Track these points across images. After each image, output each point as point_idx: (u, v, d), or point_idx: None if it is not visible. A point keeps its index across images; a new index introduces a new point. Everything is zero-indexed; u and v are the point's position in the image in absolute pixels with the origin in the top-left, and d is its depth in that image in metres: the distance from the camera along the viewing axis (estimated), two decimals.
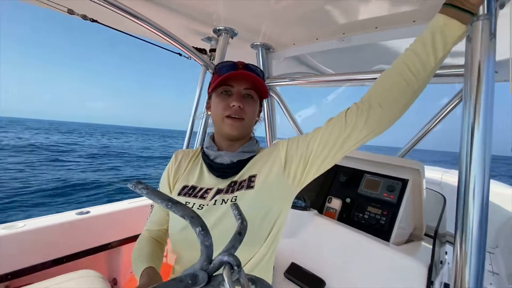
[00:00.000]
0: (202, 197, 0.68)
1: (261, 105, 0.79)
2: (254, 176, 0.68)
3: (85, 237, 1.44)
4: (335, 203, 1.26)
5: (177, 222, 0.68)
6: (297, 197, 1.24)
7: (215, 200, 0.65)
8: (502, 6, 0.76)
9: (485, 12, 0.58)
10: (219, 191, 0.68)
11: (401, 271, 0.89)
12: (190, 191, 0.70)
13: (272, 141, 1.78)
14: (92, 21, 1.12)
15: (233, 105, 0.66)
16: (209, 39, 1.55)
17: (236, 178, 0.70)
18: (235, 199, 0.63)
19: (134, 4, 1.12)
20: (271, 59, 1.72)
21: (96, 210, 1.52)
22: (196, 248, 0.58)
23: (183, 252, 0.68)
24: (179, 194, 0.71)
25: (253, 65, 0.72)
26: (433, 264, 0.84)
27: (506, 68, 1.35)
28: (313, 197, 1.35)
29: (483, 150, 0.59)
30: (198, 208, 0.65)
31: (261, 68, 1.71)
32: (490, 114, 0.59)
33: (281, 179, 0.67)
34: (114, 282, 1.59)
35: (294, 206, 1.20)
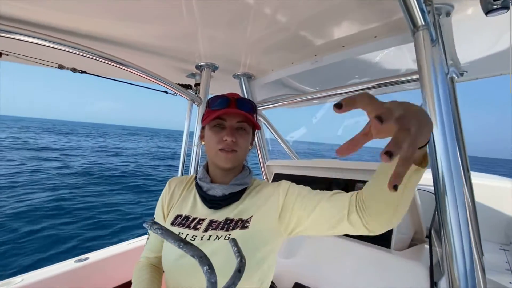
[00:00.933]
0: (194, 228, 0.70)
1: (254, 134, 0.83)
2: (250, 217, 0.70)
3: (86, 286, 1.39)
4: None
5: (172, 251, 0.69)
6: None
7: (209, 236, 0.67)
8: (448, 14, 0.85)
9: (422, 23, 0.65)
10: (212, 223, 0.70)
11: (404, 276, 0.88)
12: (183, 221, 0.72)
13: (265, 164, 1.82)
14: (81, 73, 1.21)
15: (226, 139, 0.70)
16: (193, 74, 1.66)
17: (232, 215, 0.71)
18: (229, 237, 0.65)
19: (119, 53, 1.22)
20: (254, 86, 1.82)
21: (95, 256, 1.49)
22: (193, 275, 0.60)
23: (180, 279, 0.68)
24: (172, 223, 0.73)
25: (245, 98, 0.76)
26: (433, 264, 0.83)
27: (476, 67, 1.45)
28: None
29: (445, 148, 0.64)
30: (191, 239, 0.66)
31: (246, 96, 1.83)
32: (447, 112, 0.64)
33: (275, 225, 0.70)
34: None
35: None
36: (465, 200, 0.64)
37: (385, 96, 1.90)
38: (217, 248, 0.63)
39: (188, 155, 1.65)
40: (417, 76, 0.90)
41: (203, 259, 0.43)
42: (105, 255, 1.49)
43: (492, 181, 2.12)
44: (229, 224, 0.68)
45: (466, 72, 1.47)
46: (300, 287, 0.98)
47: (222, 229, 0.68)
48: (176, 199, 0.79)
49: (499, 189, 2.08)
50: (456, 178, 0.62)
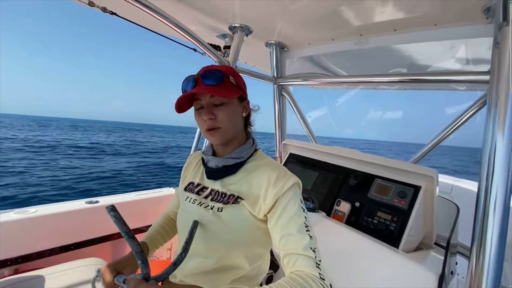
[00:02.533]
0: (197, 193, 0.79)
1: (243, 99, 0.77)
2: (242, 199, 0.71)
3: (93, 226, 1.46)
4: (344, 206, 1.24)
5: (182, 215, 0.80)
6: (306, 199, 1.23)
7: (207, 205, 0.74)
8: None
9: None
10: (212, 191, 0.76)
11: (410, 279, 0.87)
12: (192, 186, 0.82)
13: (282, 140, 1.77)
14: (111, 14, 1.14)
15: (205, 119, 0.69)
16: (223, 36, 1.55)
17: (226, 189, 0.74)
18: (221, 210, 0.70)
19: None
20: (285, 58, 1.71)
21: (105, 200, 1.54)
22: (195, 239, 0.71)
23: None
24: (185, 188, 0.84)
25: (212, 69, 0.70)
26: (444, 274, 0.82)
27: None
28: (321, 199, 1.34)
29: (506, 161, 0.57)
30: (192, 202, 0.77)
31: (275, 68, 1.72)
32: None
33: (255, 214, 0.70)
34: None
35: None
36: (504, 217, 0.59)
37: (422, 93, 1.78)
38: (207, 218, 0.71)
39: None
40: (483, 77, 0.81)
41: (138, 255, 0.52)
42: (114, 201, 1.55)
43: None
44: (223, 197, 0.73)
45: None
46: None
47: (218, 200, 0.73)
48: (192, 169, 0.89)
49: None
50: (508, 197, 0.57)
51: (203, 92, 0.68)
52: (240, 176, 0.75)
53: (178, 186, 0.96)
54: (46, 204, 1.41)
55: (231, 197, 0.72)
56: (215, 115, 0.69)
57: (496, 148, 0.57)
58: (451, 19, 0.99)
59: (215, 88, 0.67)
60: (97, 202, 1.51)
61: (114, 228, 1.55)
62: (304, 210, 0.66)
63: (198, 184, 0.81)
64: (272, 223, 0.67)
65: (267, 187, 0.67)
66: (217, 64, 1.54)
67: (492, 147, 0.58)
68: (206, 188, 0.78)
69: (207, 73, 0.69)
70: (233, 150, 0.76)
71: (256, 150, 0.81)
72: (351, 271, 0.97)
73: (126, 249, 1.60)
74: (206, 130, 0.71)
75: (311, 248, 0.60)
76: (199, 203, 0.75)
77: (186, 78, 0.72)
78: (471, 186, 2.40)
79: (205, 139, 1.64)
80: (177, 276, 0.76)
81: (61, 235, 1.37)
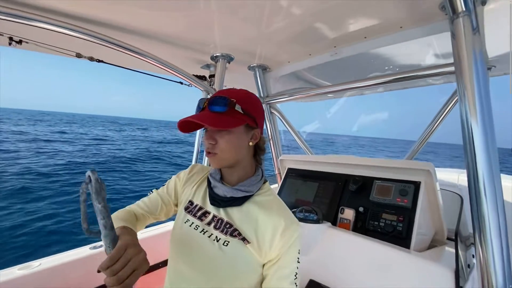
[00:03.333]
0: (200, 218, 0.75)
1: (252, 128, 0.74)
2: (248, 241, 0.69)
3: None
4: (348, 213, 1.23)
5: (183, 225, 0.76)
6: (308, 211, 1.22)
7: (211, 234, 0.71)
8: (483, 2, 0.79)
9: (463, 8, 0.60)
10: (214, 218, 0.74)
11: (426, 279, 0.84)
12: (192, 208, 0.78)
13: (278, 156, 1.79)
14: (98, 62, 1.21)
15: (205, 143, 0.71)
16: (207, 66, 1.63)
17: (231, 220, 0.72)
18: (227, 244, 0.69)
19: (135, 42, 1.21)
20: (269, 78, 1.79)
21: None
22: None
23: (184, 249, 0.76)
24: (185, 209, 0.79)
25: (220, 96, 0.70)
26: (459, 268, 0.79)
27: (505, 62, 1.36)
28: (324, 209, 1.32)
29: (486, 146, 0.59)
30: (194, 228, 0.74)
31: (260, 88, 1.79)
32: (487, 107, 0.59)
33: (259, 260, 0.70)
34: None
35: (306, 220, 1.17)
36: (497, 200, 0.59)
37: (406, 91, 1.82)
38: (212, 250, 0.69)
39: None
40: (451, 68, 0.84)
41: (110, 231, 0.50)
42: None
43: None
44: (228, 228, 0.71)
45: (494, 67, 1.39)
46: (315, 284, 0.96)
47: (222, 231, 0.71)
48: (192, 184, 0.83)
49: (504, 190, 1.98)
50: (496, 180, 0.57)
51: (200, 123, 0.68)
52: (245, 210, 0.73)
53: (159, 188, 0.88)
54: (50, 256, 1.39)
55: (236, 232, 0.70)
56: (215, 141, 0.69)
57: (473, 135, 0.59)
58: (414, 20, 1.05)
59: (216, 116, 0.67)
60: (101, 246, 1.49)
61: None
62: (298, 260, 0.69)
63: (200, 208, 0.77)
64: (268, 268, 0.68)
65: (273, 236, 0.68)
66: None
67: (469, 135, 0.60)
68: (209, 213, 0.75)
69: (215, 100, 0.69)
70: (239, 176, 0.75)
71: (264, 183, 0.79)
72: (364, 279, 0.94)
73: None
74: (205, 152, 0.72)
75: None
76: (202, 230, 0.73)
77: (200, 100, 0.74)
78: None
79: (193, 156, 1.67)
80: None
81: (68, 286, 1.33)
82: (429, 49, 1.27)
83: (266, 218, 0.70)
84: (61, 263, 1.33)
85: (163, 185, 0.88)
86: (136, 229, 0.73)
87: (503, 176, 2.27)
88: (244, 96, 0.73)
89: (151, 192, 0.87)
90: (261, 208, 0.72)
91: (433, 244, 1.14)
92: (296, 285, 0.66)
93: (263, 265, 0.69)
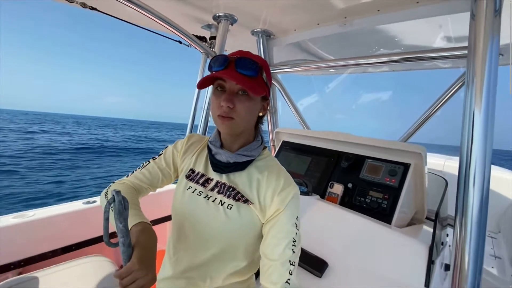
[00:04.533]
0: (203, 184, 0.75)
1: (266, 99, 0.74)
2: (251, 202, 0.71)
3: (93, 225, 1.47)
4: (337, 188, 1.27)
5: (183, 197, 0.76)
6: (299, 183, 1.25)
7: (215, 198, 0.72)
8: None
9: None
10: (217, 183, 0.74)
11: (402, 252, 0.91)
12: (195, 177, 0.78)
13: (274, 128, 1.78)
14: (91, 9, 1.11)
15: (222, 105, 0.65)
16: (208, 26, 1.53)
17: (235, 184, 0.73)
18: (231, 207, 0.70)
19: None
20: (272, 46, 1.71)
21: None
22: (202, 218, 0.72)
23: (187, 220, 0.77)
24: (187, 177, 0.78)
25: (250, 59, 0.66)
26: (434, 244, 0.86)
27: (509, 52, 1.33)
28: (315, 183, 1.37)
29: (484, 134, 0.59)
30: (197, 194, 0.74)
31: (263, 56, 1.72)
32: (493, 97, 0.59)
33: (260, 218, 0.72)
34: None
35: None
36: (484, 189, 0.62)
37: (413, 73, 1.79)
38: (218, 214, 0.70)
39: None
40: (462, 52, 0.82)
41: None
42: None
43: (493, 171, 2.13)
44: (231, 192, 0.72)
45: (502, 55, 1.36)
46: (302, 252, 1.03)
47: (226, 194, 0.72)
48: (191, 153, 0.82)
49: (499, 179, 2.10)
50: (487, 168, 0.59)
51: (234, 81, 0.64)
52: (247, 174, 0.74)
53: (156, 157, 0.86)
54: (44, 207, 1.42)
55: (239, 195, 0.71)
56: (234, 105, 0.65)
57: (474, 122, 0.59)
58: None
59: (247, 80, 0.63)
60: (94, 202, 1.52)
61: (114, 226, 1.57)
62: (297, 226, 0.69)
63: (203, 175, 0.77)
64: (266, 228, 0.69)
65: (272, 195, 0.69)
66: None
67: (470, 121, 0.60)
68: (211, 179, 0.76)
69: (242, 61, 0.65)
70: (241, 144, 0.74)
71: (263, 148, 0.79)
72: (347, 249, 1.01)
73: None
74: (219, 115, 0.67)
75: (289, 261, 0.64)
76: (206, 196, 0.73)
77: (216, 56, 0.68)
78: None
79: (198, 130, 1.64)
80: (172, 272, 0.76)
81: (61, 236, 1.38)
82: (440, 30, 1.22)
83: (268, 180, 0.72)
84: (55, 214, 1.36)
85: (159, 155, 0.86)
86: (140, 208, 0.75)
87: (503, 169, 2.39)
88: (265, 65, 0.70)
89: (147, 162, 0.85)
90: (263, 171, 0.74)
91: (412, 222, 1.22)
92: (293, 252, 0.65)
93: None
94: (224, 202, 0.71)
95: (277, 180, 0.71)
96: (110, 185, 0.82)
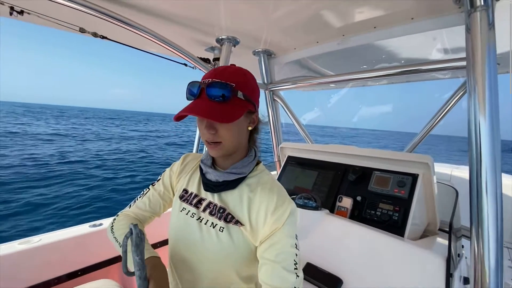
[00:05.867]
0: (196, 206, 0.74)
1: (253, 112, 0.70)
2: (242, 224, 0.67)
3: (99, 249, 1.45)
4: (346, 202, 1.26)
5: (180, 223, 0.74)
6: (307, 198, 1.24)
7: (207, 220, 0.70)
8: None
9: (482, 3, 0.60)
10: (210, 204, 0.72)
11: (418, 266, 0.89)
12: (187, 196, 0.77)
13: (278, 144, 1.80)
14: (102, 38, 1.18)
15: (204, 132, 0.64)
16: (212, 48, 1.60)
17: (225, 205, 0.70)
18: (222, 230, 0.67)
19: (140, 19, 1.17)
20: (273, 64, 1.76)
21: (109, 222, 1.54)
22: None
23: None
24: (180, 198, 0.77)
25: (219, 82, 0.62)
26: (450, 257, 0.83)
27: (508, 60, 1.37)
28: (323, 197, 1.36)
29: (491, 142, 0.60)
30: (190, 216, 0.72)
31: (264, 74, 1.77)
32: (495, 104, 0.60)
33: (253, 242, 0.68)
34: None
35: (305, 206, 1.20)
36: (497, 197, 0.62)
37: (409, 85, 1.82)
38: (209, 237, 0.68)
39: None
40: (461, 63, 0.84)
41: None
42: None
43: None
44: (222, 213, 0.69)
45: (499, 64, 1.39)
46: (312, 267, 1.00)
47: (217, 216, 0.69)
48: (186, 173, 0.81)
49: (505, 186, 2.06)
50: (498, 176, 0.59)
51: (203, 118, 0.62)
52: (239, 192, 0.71)
53: (155, 183, 0.85)
54: (50, 232, 1.40)
55: (230, 216, 0.68)
56: (216, 130, 0.63)
57: (480, 130, 0.60)
58: (426, 11, 1.04)
59: (218, 109, 0.60)
60: (100, 224, 1.51)
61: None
62: (296, 246, 0.64)
63: (196, 195, 0.75)
64: (261, 250, 0.64)
65: (265, 215, 0.65)
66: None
67: (476, 130, 0.61)
68: (203, 200, 0.74)
69: (212, 86, 0.61)
70: (234, 161, 0.72)
71: (257, 163, 0.76)
72: (360, 265, 0.98)
73: None
74: (206, 141, 0.66)
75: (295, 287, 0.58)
76: (199, 218, 0.71)
77: (191, 83, 0.65)
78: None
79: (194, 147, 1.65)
80: None
81: (67, 262, 1.35)
82: (437, 42, 1.26)
83: (260, 198, 0.68)
84: (61, 239, 1.35)
85: (158, 180, 0.85)
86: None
87: (504, 174, 2.35)
88: (243, 80, 0.66)
89: (147, 190, 0.85)
90: (255, 189, 0.70)
91: (425, 234, 1.19)
92: (298, 277, 0.59)
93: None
94: (216, 225, 0.68)
95: (270, 197, 0.66)
96: (115, 219, 0.82)
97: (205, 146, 0.72)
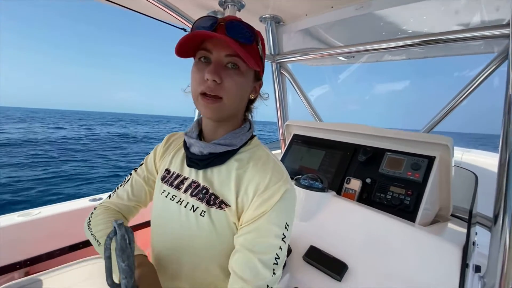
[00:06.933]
0: (177, 187, 0.65)
1: (259, 79, 0.63)
2: (227, 205, 0.58)
3: None
4: (355, 184, 1.19)
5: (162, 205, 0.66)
6: (314, 179, 1.18)
7: (187, 203, 0.61)
8: None
9: None
10: (192, 183, 0.63)
11: (430, 253, 0.83)
12: (170, 178, 0.67)
13: (284, 121, 1.70)
14: None
15: (207, 79, 0.52)
16: (214, 13, 1.45)
17: (210, 184, 0.61)
18: (204, 214, 0.58)
19: None
20: (282, 33, 1.61)
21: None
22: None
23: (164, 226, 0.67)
24: (162, 179, 0.69)
25: (242, 22, 0.54)
26: (469, 246, 0.77)
27: None
28: (330, 179, 1.29)
29: None
30: (170, 199, 0.64)
31: (271, 44, 1.61)
32: None
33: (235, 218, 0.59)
34: None
35: (311, 187, 1.14)
36: None
37: (429, 60, 1.67)
38: (190, 222, 0.59)
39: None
40: (503, 31, 0.72)
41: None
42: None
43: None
44: (204, 194, 0.60)
45: None
46: (316, 250, 0.96)
47: (199, 198, 0.60)
48: (169, 153, 0.72)
49: None
50: None
51: (225, 40, 0.50)
52: (226, 168, 0.60)
53: (137, 168, 0.76)
54: (49, 205, 1.38)
55: (213, 197, 0.58)
56: (221, 79, 0.52)
57: None
58: None
59: (239, 47, 0.50)
60: (100, 199, 1.48)
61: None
62: (284, 238, 0.53)
63: (177, 175, 0.66)
64: (239, 233, 0.55)
65: (254, 194, 0.55)
66: None
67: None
68: (186, 179, 0.64)
69: (235, 25, 0.52)
70: (224, 133, 0.62)
71: (251, 137, 0.66)
72: (368, 250, 0.93)
73: (137, 243, 1.58)
74: (202, 93, 0.54)
75: (267, 286, 0.50)
76: (179, 200, 0.62)
77: (203, 17, 0.55)
78: (482, 156, 2.33)
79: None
80: None
81: (68, 234, 1.35)
82: (471, 8, 1.10)
83: (250, 174, 0.57)
84: (61, 212, 1.33)
85: (140, 165, 0.76)
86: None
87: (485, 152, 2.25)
88: (261, 37, 0.59)
89: (128, 176, 0.75)
90: (246, 164, 0.60)
91: (436, 219, 1.13)
92: (274, 274, 0.50)
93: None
94: (197, 208, 0.59)
95: (262, 174, 0.56)
96: (92, 212, 0.72)
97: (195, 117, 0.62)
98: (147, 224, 1.54)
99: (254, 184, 0.56)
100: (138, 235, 1.55)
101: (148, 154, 0.77)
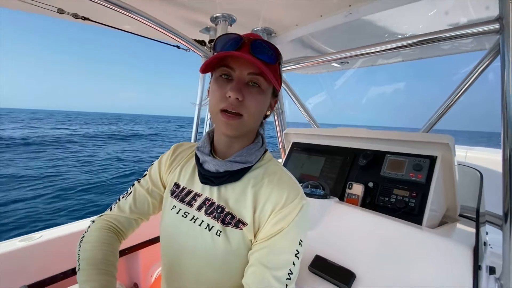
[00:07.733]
0: (189, 203, 0.64)
1: (275, 96, 0.64)
2: (244, 224, 0.58)
3: None
4: (357, 189, 1.17)
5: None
6: (315, 186, 1.16)
7: (202, 221, 0.60)
8: None
9: None
10: (206, 201, 0.62)
11: (440, 256, 0.80)
12: (180, 193, 0.66)
13: (282, 130, 1.70)
14: (84, 19, 1.08)
15: (229, 96, 0.52)
16: (207, 29, 1.49)
17: (225, 202, 0.60)
18: (220, 234, 0.57)
19: None
20: (275, 44, 1.64)
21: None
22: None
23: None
24: (171, 194, 0.68)
25: (266, 42, 0.55)
26: (479, 246, 0.74)
27: None
28: (331, 184, 1.27)
29: None
30: (182, 216, 0.63)
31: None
32: None
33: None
34: (135, 287, 1.57)
35: (313, 195, 1.12)
36: None
37: (420, 62, 1.68)
38: (204, 241, 0.58)
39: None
40: (493, 26, 0.73)
41: None
42: None
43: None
44: (220, 214, 0.59)
45: None
46: (322, 260, 0.93)
47: (215, 217, 0.59)
48: (177, 166, 0.71)
49: None
50: None
51: (250, 61, 0.52)
52: (242, 185, 0.60)
53: (141, 179, 0.75)
54: (51, 228, 1.38)
55: (230, 217, 0.58)
56: (243, 97, 0.53)
57: None
58: None
59: (264, 67, 0.52)
60: None
61: (124, 244, 1.50)
62: (297, 254, 0.54)
63: (189, 191, 0.65)
64: (255, 248, 0.55)
65: (271, 212, 0.56)
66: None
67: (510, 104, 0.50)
68: (199, 195, 0.63)
69: (258, 44, 0.54)
70: (239, 149, 0.62)
71: (264, 152, 0.66)
72: (375, 256, 0.90)
73: (140, 263, 1.55)
74: (223, 110, 0.54)
75: None
76: (192, 218, 0.61)
77: (227, 35, 0.56)
78: (486, 153, 2.30)
79: (204, 128, 1.55)
80: None
81: (71, 257, 1.32)
82: (457, 8, 1.12)
83: (266, 191, 0.58)
84: (63, 235, 1.32)
85: (144, 175, 0.75)
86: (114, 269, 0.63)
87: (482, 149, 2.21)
88: (281, 57, 0.61)
89: (131, 187, 0.74)
90: (261, 180, 0.60)
91: (444, 220, 1.10)
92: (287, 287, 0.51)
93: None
94: (213, 227, 0.58)
95: (279, 191, 0.57)
96: (89, 226, 0.71)
97: (205, 131, 0.62)
98: (154, 240, 1.51)
99: (272, 201, 0.56)
100: (146, 251, 1.53)
101: (152, 164, 0.75)
